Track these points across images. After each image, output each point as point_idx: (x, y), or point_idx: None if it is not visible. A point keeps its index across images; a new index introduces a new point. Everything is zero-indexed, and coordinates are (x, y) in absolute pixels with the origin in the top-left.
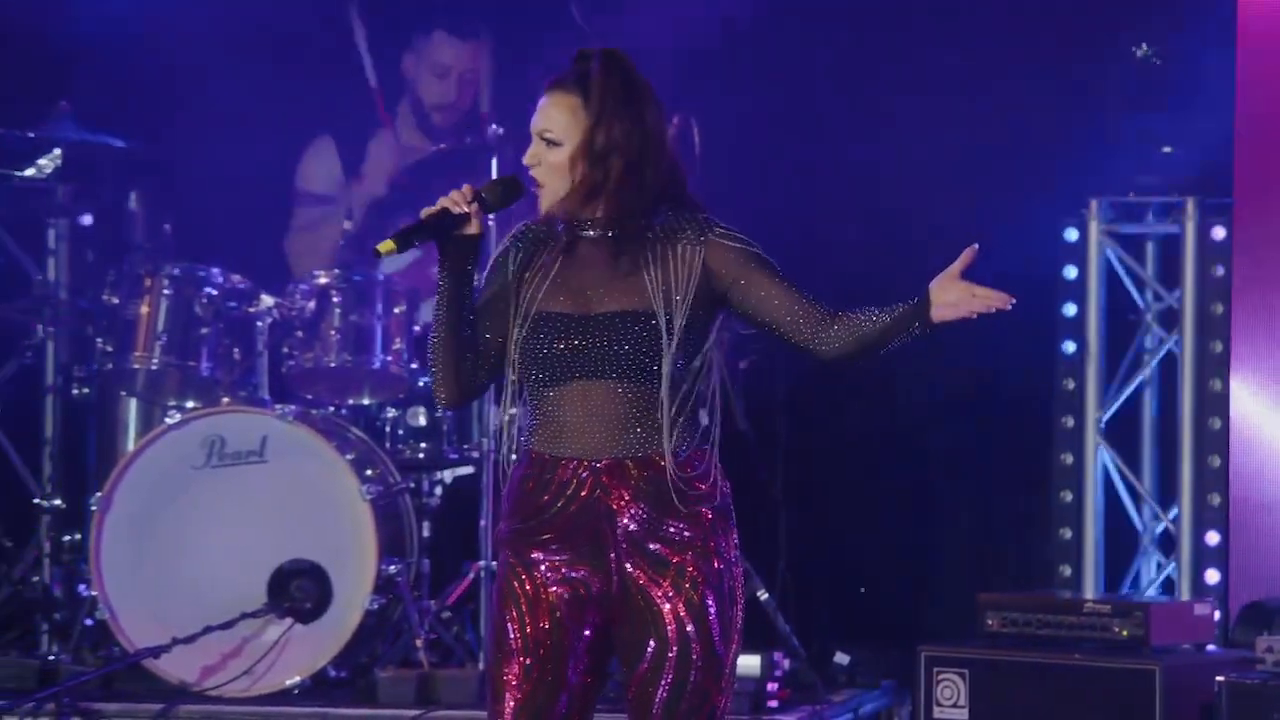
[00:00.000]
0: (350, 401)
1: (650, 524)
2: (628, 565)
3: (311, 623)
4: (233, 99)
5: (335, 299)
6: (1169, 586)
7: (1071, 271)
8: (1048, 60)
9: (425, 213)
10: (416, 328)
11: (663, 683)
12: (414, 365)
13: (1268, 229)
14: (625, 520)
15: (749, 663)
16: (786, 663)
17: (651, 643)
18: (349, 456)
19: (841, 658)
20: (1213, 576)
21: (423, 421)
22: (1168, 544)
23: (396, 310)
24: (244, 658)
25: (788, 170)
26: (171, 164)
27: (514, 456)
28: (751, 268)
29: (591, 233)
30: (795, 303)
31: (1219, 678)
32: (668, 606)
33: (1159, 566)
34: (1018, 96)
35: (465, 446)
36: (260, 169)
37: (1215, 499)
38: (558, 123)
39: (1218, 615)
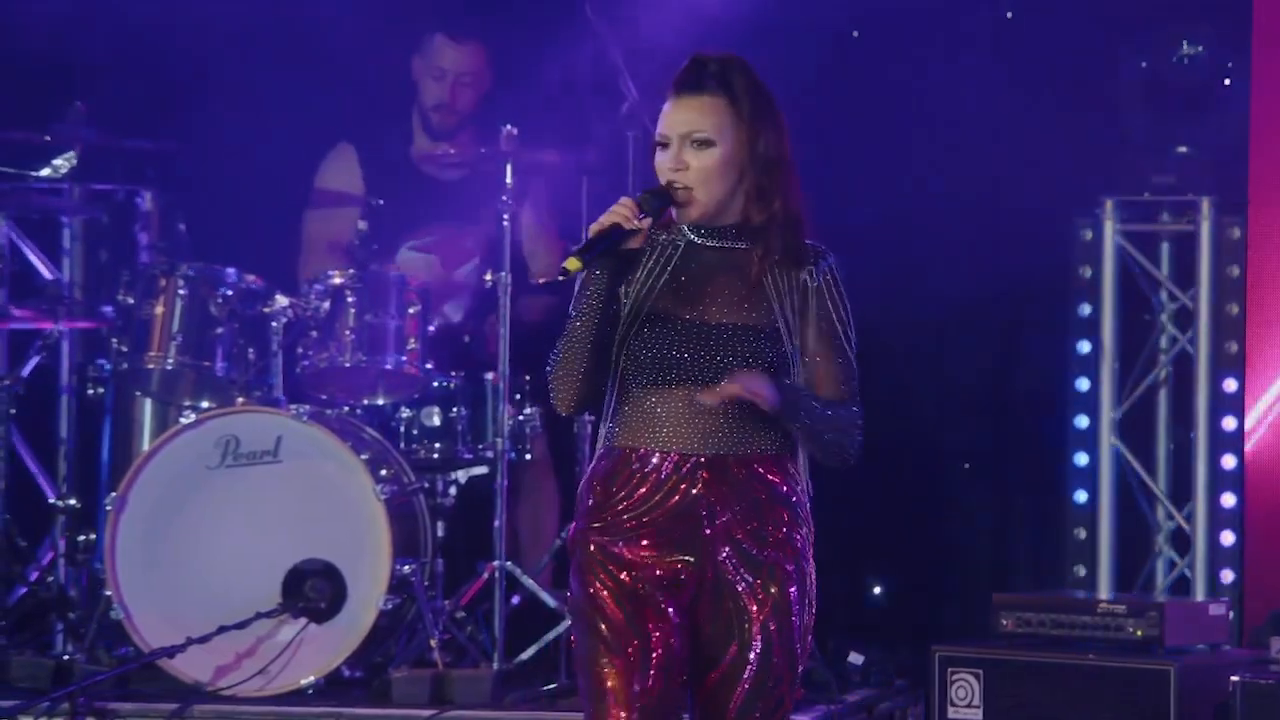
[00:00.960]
0: (365, 401)
1: (746, 523)
2: (721, 562)
3: (326, 622)
4: (250, 100)
5: (350, 299)
6: (1183, 586)
7: (1086, 271)
8: (1063, 59)
9: (595, 228)
10: (431, 328)
11: (742, 684)
12: (429, 365)
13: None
14: (723, 518)
15: None
16: None
17: (734, 645)
18: (363, 456)
19: (855, 658)
20: (1227, 576)
21: (437, 421)
22: (1182, 544)
23: (411, 310)
24: (258, 657)
25: (802, 169)
26: (187, 164)
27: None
28: (824, 330)
29: (717, 241)
30: (825, 388)
31: (1233, 678)
32: (755, 607)
33: (1173, 566)
34: (1033, 96)
35: (480, 446)
36: (277, 170)
37: (1230, 499)
38: (709, 123)
39: (1232, 615)
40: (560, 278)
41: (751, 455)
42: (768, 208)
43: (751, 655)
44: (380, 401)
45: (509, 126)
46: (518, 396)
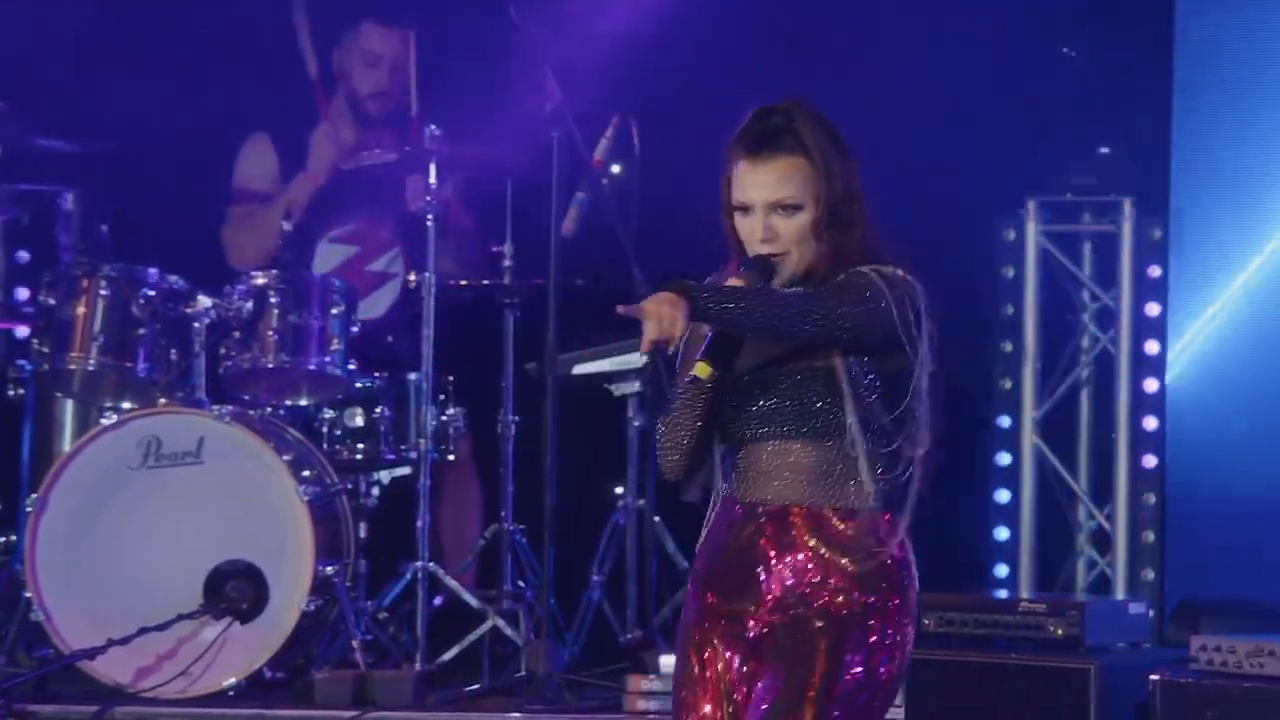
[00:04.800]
0: (288, 402)
1: (804, 576)
2: (774, 614)
3: (248, 624)
4: (169, 99)
5: (273, 300)
6: (1104, 585)
7: (1009, 271)
8: (986, 59)
9: (674, 347)
10: (354, 328)
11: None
12: (351, 366)
13: (1203, 229)
14: (780, 568)
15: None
16: None
17: (772, 692)
18: (286, 457)
19: None
20: (1148, 575)
21: (360, 422)
22: (1103, 543)
23: (334, 311)
24: (180, 659)
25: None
26: (108, 165)
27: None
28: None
29: (779, 284)
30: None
31: (1153, 676)
32: (794, 654)
33: (1094, 565)
34: (956, 97)
35: (402, 447)
36: (197, 169)
37: (1150, 498)
38: (794, 188)
39: (1152, 614)
40: (699, 386)
41: (821, 509)
42: (841, 261)
43: (775, 697)
44: (303, 402)
45: (432, 127)
46: (441, 397)
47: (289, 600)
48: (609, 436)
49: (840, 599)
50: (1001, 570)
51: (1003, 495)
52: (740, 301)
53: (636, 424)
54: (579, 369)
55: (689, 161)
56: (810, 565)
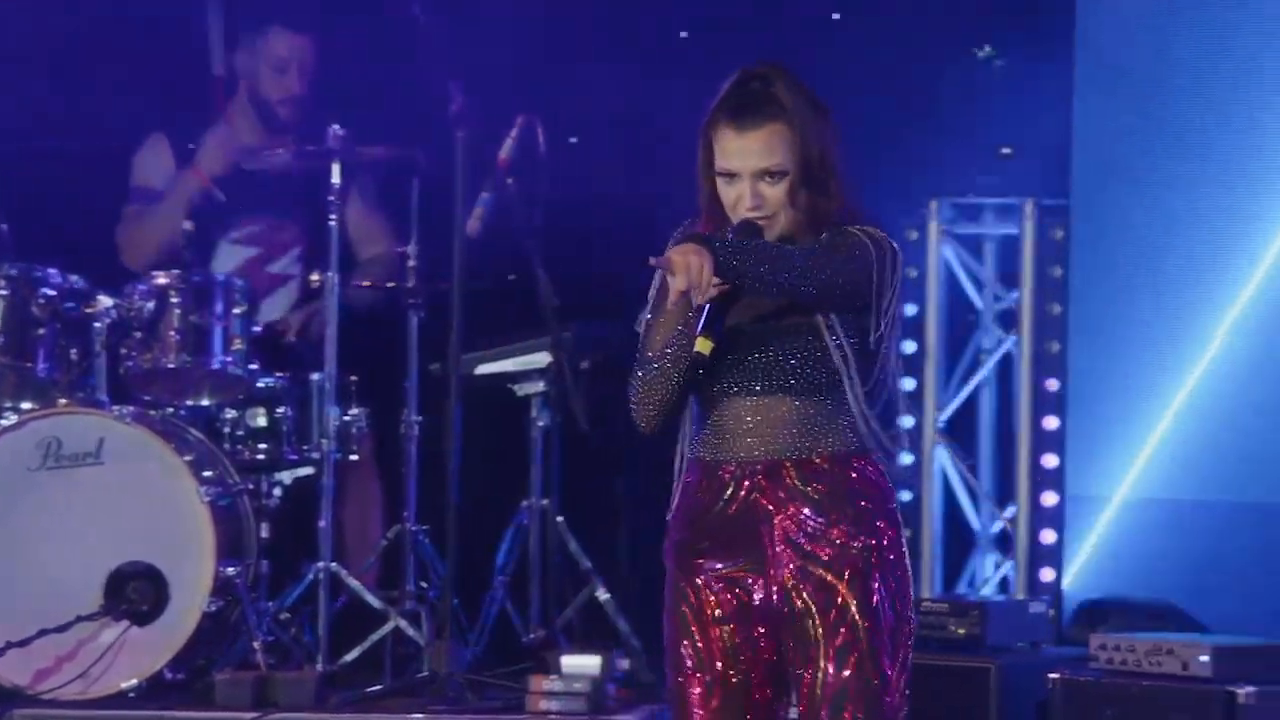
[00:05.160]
0: (189, 402)
1: (807, 526)
2: (786, 568)
3: (148, 625)
4: (70, 98)
5: (174, 300)
6: (1006, 585)
7: (912, 272)
8: (889, 60)
9: (702, 300)
10: (257, 328)
11: (822, 677)
12: (253, 366)
13: (1104, 230)
14: (782, 522)
15: (589, 663)
16: (626, 663)
17: (810, 656)
18: (187, 458)
19: None
20: (1048, 575)
21: (262, 422)
22: (1004, 543)
23: (236, 311)
24: (79, 661)
25: (638, 170)
26: (7, 164)
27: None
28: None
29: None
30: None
31: (1053, 675)
32: (820, 617)
33: (996, 565)
34: (859, 98)
35: (305, 447)
36: (98, 168)
37: (1051, 498)
38: (779, 155)
39: (1052, 613)
40: (699, 359)
41: (810, 458)
42: (818, 224)
43: (827, 647)
44: (205, 402)
45: (335, 126)
46: (344, 397)
47: (190, 601)
48: (513, 437)
49: (850, 544)
50: None
51: (904, 495)
52: (758, 259)
53: (540, 424)
54: (482, 369)
55: (593, 161)
56: (812, 517)
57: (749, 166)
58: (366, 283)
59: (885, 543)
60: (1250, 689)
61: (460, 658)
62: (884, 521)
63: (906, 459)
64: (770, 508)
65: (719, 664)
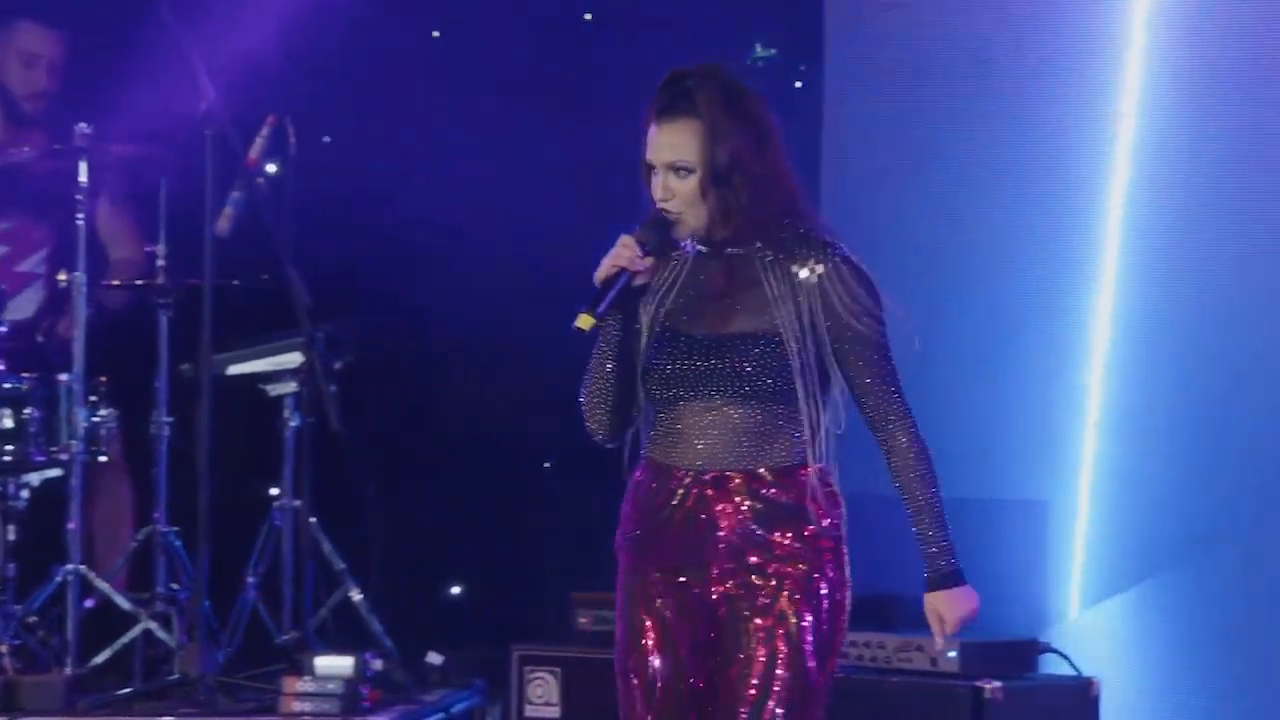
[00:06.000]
0: None
1: (750, 537)
2: (727, 578)
3: None
4: None
5: None
6: None
7: None
8: (639, 61)
9: (601, 275)
10: (3, 328)
11: (747, 694)
12: (0, 367)
13: (851, 240)
14: (725, 532)
15: (341, 664)
16: (378, 663)
17: (740, 656)
18: None
19: (434, 658)
20: None
21: (8, 423)
22: None
23: None
24: None
25: (390, 173)
26: None
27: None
28: (857, 330)
29: (712, 250)
30: (870, 394)
31: None
32: (758, 620)
33: None
34: (609, 98)
35: (53, 449)
36: None
37: None
38: (688, 149)
39: None
40: (578, 334)
41: (756, 470)
42: (730, 221)
43: (754, 669)
44: None
45: (82, 125)
46: (93, 398)
47: None
48: (264, 437)
49: (790, 556)
50: None
51: None
52: (938, 518)
53: (293, 424)
54: (234, 369)
55: (344, 160)
56: (756, 528)
57: (660, 159)
58: (117, 281)
59: (826, 555)
60: (997, 684)
61: (212, 660)
62: (827, 538)
63: None
64: (716, 518)
65: (658, 657)
